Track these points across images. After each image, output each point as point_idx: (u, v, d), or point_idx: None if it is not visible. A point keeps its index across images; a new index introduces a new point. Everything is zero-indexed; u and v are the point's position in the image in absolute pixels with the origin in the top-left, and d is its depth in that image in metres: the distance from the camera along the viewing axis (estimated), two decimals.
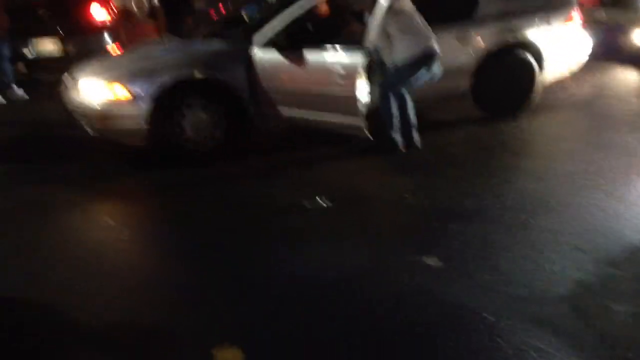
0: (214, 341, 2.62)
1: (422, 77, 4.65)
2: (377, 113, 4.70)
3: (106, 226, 3.99)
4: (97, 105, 4.83)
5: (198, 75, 4.82)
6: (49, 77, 7.87)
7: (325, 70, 4.56)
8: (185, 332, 2.72)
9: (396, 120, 4.74)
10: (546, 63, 5.51)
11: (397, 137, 4.80)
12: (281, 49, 4.76)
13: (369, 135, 4.60)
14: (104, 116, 4.83)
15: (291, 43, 4.81)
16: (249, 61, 4.87)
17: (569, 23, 5.63)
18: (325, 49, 4.73)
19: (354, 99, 4.45)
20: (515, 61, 5.45)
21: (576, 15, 5.68)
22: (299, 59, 4.67)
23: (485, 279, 3.01)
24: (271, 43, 4.85)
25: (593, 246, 3.24)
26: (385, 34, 4.50)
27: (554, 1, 5.67)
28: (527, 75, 5.48)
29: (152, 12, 8.62)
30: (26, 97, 7.40)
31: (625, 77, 6.93)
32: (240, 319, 2.82)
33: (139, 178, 4.83)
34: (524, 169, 4.48)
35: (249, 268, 3.30)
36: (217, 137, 4.96)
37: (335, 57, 4.60)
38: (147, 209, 4.29)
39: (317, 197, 4.07)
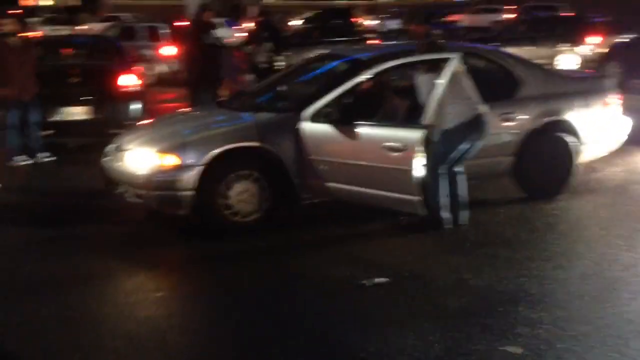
0: None
1: (474, 145, 4.68)
2: (425, 187, 4.67)
3: (154, 298, 3.87)
4: (145, 172, 4.79)
5: (247, 146, 4.83)
6: (76, 141, 7.92)
7: (380, 146, 4.55)
8: None
9: (444, 196, 4.70)
10: (584, 144, 5.56)
11: (444, 213, 4.75)
12: (334, 122, 4.77)
13: (423, 211, 4.55)
14: (151, 184, 4.77)
15: (341, 117, 4.83)
16: (297, 134, 4.88)
17: (607, 106, 5.72)
18: (379, 124, 4.76)
19: (410, 175, 4.42)
20: (555, 142, 5.49)
21: (614, 99, 5.78)
22: (351, 133, 4.68)
23: None
24: (320, 116, 4.87)
25: None
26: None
27: (592, 85, 5.80)
28: (566, 156, 5.51)
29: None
30: (53, 157, 7.34)
31: None
32: None
33: (183, 248, 4.76)
34: (576, 252, 4.43)
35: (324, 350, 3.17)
36: (263, 208, 4.90)
37: (391, 132, 4.61)
38: (195, 281, 4.20)
39: (374, 278, 3.97)
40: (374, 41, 20.08)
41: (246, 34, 11.17)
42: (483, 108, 4.71)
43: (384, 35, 30.63)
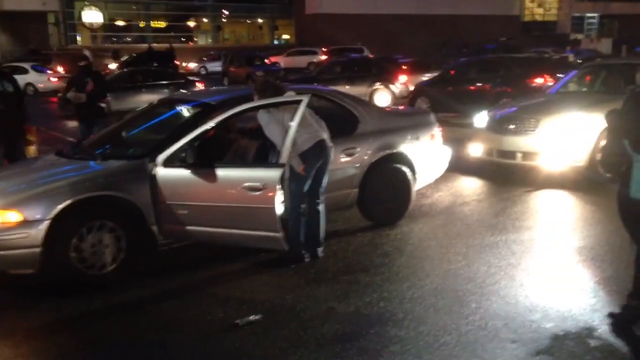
0: None
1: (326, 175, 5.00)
2: (285, 224, 4.84)
3: None
4: None
5: (98, 195, 4.64)
6: None
7: (240, 186, 4.64)
8: None
9: (303, 232, 4.92)
10: (418, 175, 6.15)
11: (305, 248, 4.96)
12: (190, 166, 4.77)
13: (286, 247, 4.70)
14: None
15: (196, 160, 4.84)
16: (152, 179, 4.80)
17: (433, 138, 6.40)
18: (237, 166, 4.87)
19: (272, 213, 4.56)
20: (394, 174, 6.00)
21: (438, 132, 6.48)
22: (210, 176, 4.71)
23: None
24: (175, 161, 4.85)
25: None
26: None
27: (420, 120, 6.45)
28: (404, 185, 6.04)
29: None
30: None
31: (470, 184, 7.89)
32: None
33: (39, 309, 4.37)
34: (424, 270, 4.86)
35: None
36: (120, 258, 4.72)
37: (250, 172, 4.73)
38: (61, 344, 3.89)
39: (248, 316, 4.03)
40: (199, 84, 20.15)
41: (66, 80, 10.54)
42: (325, 134, 5.01)
43: (207, 77, 30.87)
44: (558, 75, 11.77)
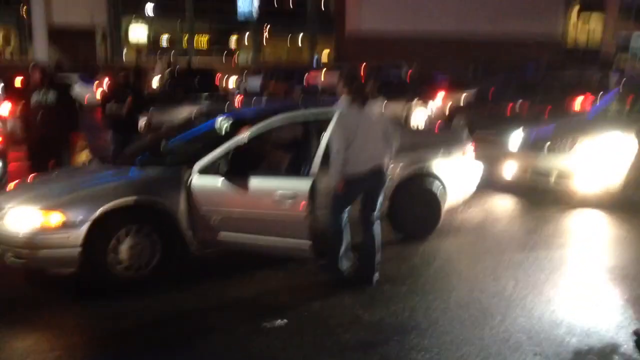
0: None
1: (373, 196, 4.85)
2: (325, 236, 4.86)
3: (52, 357, 3.73)
4: (27, 231, 4.61)
5: (137, 200, 4.84)
6: None
7: (272, 195, 4.78)
8: None
9: (346, 245, 4.85)
10: (449, 189, 6.19)
11: (345, 263, 4.88)
12: (225, 175, 4.94)
13: (314, 254, 4.80)
14: (34, 243, 4.61)
15: (231, 170, 5.02)
16: (188, 187, 4.98)
17: (465, 155, 6.44)
18: (270, 175, 5.02)
19: (302, 221, 4.68)
20: (425, 188, 6.06)
21: (470, 148, 6.52)
22: (244, 184, 4.87)
23: None
24: (211, 170, 5.02)
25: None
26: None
27: (452, 137, 6.51)
28: (435, 200, 6.09)
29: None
30: None
31: (503, 202, 7.88)
32: None
33: (75, 308, 4.56)
34: (451, 284, 4.90)
35: None
36: (155, 263, 4.90)
37: (282, 182, 4.87)
38: (95, 338, 4.07)
39: (275, 320, 4.15)
40: (237, 96, 20.54)
41: (105, 91, 10.74)
42: (383, 159, 4.83)
43: (246, 92, 31.38)
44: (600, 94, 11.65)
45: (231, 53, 51.43)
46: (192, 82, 24.51)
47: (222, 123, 5.90)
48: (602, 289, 4.71)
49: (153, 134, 6.73)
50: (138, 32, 42.54)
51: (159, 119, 17.26)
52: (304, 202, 4.68)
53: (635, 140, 3.81)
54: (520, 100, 13.93)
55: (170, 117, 17.04)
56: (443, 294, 4.64)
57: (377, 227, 4.90)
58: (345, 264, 4.88)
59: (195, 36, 48.94)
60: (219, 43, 49.81)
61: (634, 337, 3.73)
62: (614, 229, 6.51)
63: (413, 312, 4.30)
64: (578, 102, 12.85)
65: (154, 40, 46.43)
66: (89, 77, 28.33)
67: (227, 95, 20.79)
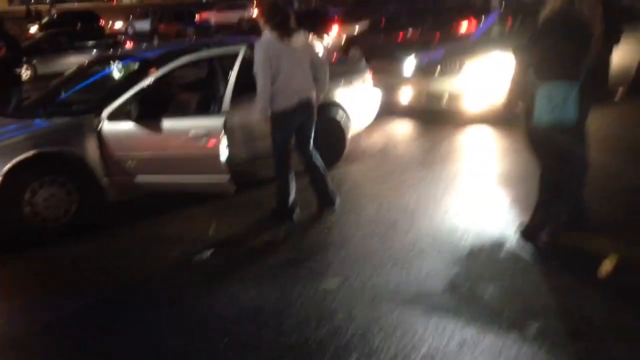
0: None
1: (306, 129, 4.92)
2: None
3: None
4: None
5: (47, 151, 4.83)
6: None
7: (186, 135, 4.92)
8: None
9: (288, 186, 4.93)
10: (352, 117, 6.56)
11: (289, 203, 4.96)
12: (136, 119, 5.01)
13: (231, 190, 5.04)
14: None
15: (142, 113, 5.09)
16: (99, 134, 5.01)
17: (364, 83, 6.80)
18: (182, 116, 5.14)
19: (218, 158, 4.88)
20: (329, 117, 6.37)
21: (368, 76, 6.88)
22: (156, 127, 4.97)
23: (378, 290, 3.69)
24: (120, 115, 5.07)
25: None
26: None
27: (352, 66, 6.82)
28: (339, 128, 6.44)
29: None
30: None
31: (401, 126, 8.39)
32: None
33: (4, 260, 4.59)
34: (361, 204, 5.31)
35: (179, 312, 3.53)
36: (72, 211, 4.96)
37: (195, 122, 5.00)
38: (33, 289, 4.16)
39: (204, 250, 4.41)
40: (128, 42, 19.78)
41: None
42: (308, 93, 4.82)
43: (135, 36, 30.09)
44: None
45: None
46: (75, 27, 23.33)
47: (125, 67, 5.88)
48: (490, 195, 5.28)
49: (51, 83, 6.56)
50: None
51: (44, 69, 16.44)
52: (218, 139, 4.87)
53: (513, 59, 4.24)
54: (411, 29, 14.48)
55: (57, 67, 16.34)
56: (354, 214, 5.04)
57: (317, 156, 5.01)
58: (295, 212, 4.97)
59: None
60: None
61: (519, 233, 4.30)
62: (500, 141, 7.17)
63: (330, 231, 4.69)
64: (464, 27, 13.50)
65: None
66: None
67: (115, 41, 19.92)
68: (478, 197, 5.25)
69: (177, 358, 3.19)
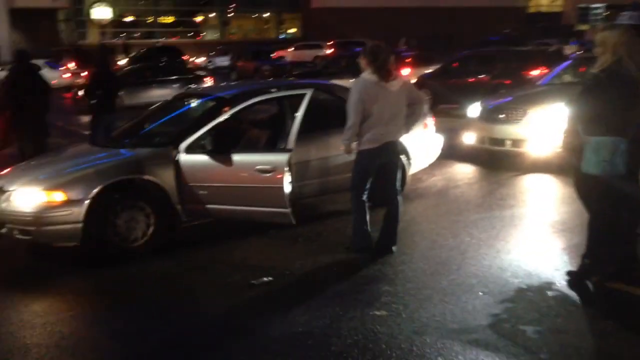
0: None
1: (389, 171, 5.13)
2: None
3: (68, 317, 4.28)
4: (33, 210, 5.11)
5: (131, 178, 5.36)
6: None
7: (253, 169, 5.33)
8: None
9: (363, 220, 5.16)
10: (412, 160, 6.82)
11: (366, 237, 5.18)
12: (209, 152, 5.48)
13: (293, 221, 5.39)
14: (40, 220, 5.11)
15: (215, 147, 5.56)
16: (176, 164, 5.50)
17: (425, 128, 7.07)
18: (250, 151, 5.58)
19: (281, 191, 5.25)
20: None
21: (431, 122, 7.16)
22: (227, 160, 5.42)
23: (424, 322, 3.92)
24: (195, 148, 5.55)
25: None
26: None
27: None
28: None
29: None
30: None
31: (463, 169, 8.57)
32: None
33: (83, 276, 5.11)
34: (414, 242, 5.54)
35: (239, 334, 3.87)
36: (149, 233, 5.44)
37: (261, 157, 5.43)
38: (105, 300, 4.62)
39: (262, 278, 4.76)
40: (207, 78, 20.81)
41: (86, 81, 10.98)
42: (392, 136, 5.03)
43: (214, 71, 31.58)
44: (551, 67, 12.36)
45: (197, 33, 51.22)
46: (160, 63, 24.76)
47: (202, 105, 6.41)
48: (543, 241, 5.40)
49: (136, 117, 7.20)
50: (101, 13, 42.01)
51: (129, 100, 17.54)
52: (282, 175, 5.25)
53: (567, 109, 4.43)
54: (482, 75, 14.66)
55: (141, 99, 17.46)
56: (408, 250, 5.27)
57: (399, 199, 5.23)
58: (361, 242, 5.16)
59: (160, 15, 48.68)
60: (184, 23, 49.53)
61: (567, 277, 4.41)
62: (559, 190, 7.23)
63: (381, 265, 4.93)
64: (535, 75, 13.55)
65: (118, 20, 45.91)
66: (55, 63, 28.29)
67: (196, 76, 20.98)
68: (530, 242, 5.38)
69: None
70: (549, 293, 4.26)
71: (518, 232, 5.73)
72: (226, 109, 5.81)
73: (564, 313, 3.96)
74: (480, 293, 4.30)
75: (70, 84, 23.28)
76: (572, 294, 4.21)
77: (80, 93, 15.48)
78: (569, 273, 4.43)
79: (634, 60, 3.89)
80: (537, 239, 5.44)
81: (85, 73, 20.30)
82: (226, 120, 5.77)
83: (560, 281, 4.41)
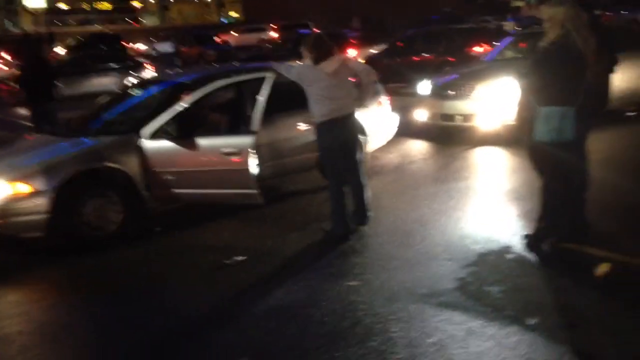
0: None
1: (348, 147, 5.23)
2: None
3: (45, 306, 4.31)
4: None
5: (96, 166, 5.37)
6: None
7: (219, 152, 5.42)
8: None
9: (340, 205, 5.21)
10: (369, 138, 7.03)
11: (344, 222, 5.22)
12: (173, 138, 5.53)
13: (261, 201, 5.51)
14: (6, 212, 5.07)
15: (178, 133, 5.61)
16: (140, 151, 5.53)
17: (380, 106, 7.28)
18: (215, 135, 5.66)
19: (247, 172, 5.36)
20: None
21: (385, 100, 7.37)
22: (192, 145, 5.48)
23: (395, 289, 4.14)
24: (159, 134, 5.59)
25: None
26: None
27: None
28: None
29: None
30: None
31: (418, 145, 8.85)
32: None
33: (56, 266, 5.10)
34: (378, 218, 5.75)
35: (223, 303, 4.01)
36: (116, 221, 5.47)
37: (226, 140, 5.51)
38: (81, 289, 4.66)
39: (234, 256, 4.88)
40: (148, 65, 20.37)
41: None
42: (344, 110, 5.15)
43: (158, 58, 30.99)
44: (494, 43, 12.79)
45: (135, 19, 50.04)
46: (101, 50, 24.12)
47: (164, 91, 6.42)
48: (499, 209, 5.71)
49: (94, 104, 7.15)
50: (35, 1, 40.55)
51: (69, 91, 16.96)
52: (248, 157, 5.36)
53: (517, 84, 4.70)
54: (427, 54, 15.02)
55: (82, 88, 17.04)
56: (371, 225, 5.46)
57: (359, 176, 5.35)
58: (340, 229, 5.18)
59: (96, 3, 47.31)
60: (121, 10, 48.30)
61: (524, 241, 4.71)
62: (508, 161, 7.59)
63: (351, 240, 5.12)
64: (478, 52, 13.98)
65: (53, 8, 44.36)
66: None
67: (137, 63, 20.46)
68: (487, 210, 5.68)
69: (212, 349, 3.64)
70: (509, 256, 4.55)
71: (474, 202, 6.03)
72: (188, 94, 5.85)
73: (524, 273, 4.25)
74: (446, 260, 4.55)
75: (8, 75, 22.45)
76: (530, 255, 4.51)
77: (13, 84, 15.02)
78: (526, 237, 4.73)
79: (580, 33, 4.17)
80: (493, 208, 5.75)
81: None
82: (188, 105, 5.81)
83: (518, 245, 4.70)
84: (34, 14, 42.37)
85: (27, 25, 42.21)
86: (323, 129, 5.17)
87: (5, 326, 4.03)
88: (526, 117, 4.59)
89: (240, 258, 4.87)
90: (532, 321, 3.57)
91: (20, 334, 3.90)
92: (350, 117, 5.27)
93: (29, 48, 9.83)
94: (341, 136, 5.19)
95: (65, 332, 3.96)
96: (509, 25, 23.16)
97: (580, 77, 4.24)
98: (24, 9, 41.58)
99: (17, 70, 19.91)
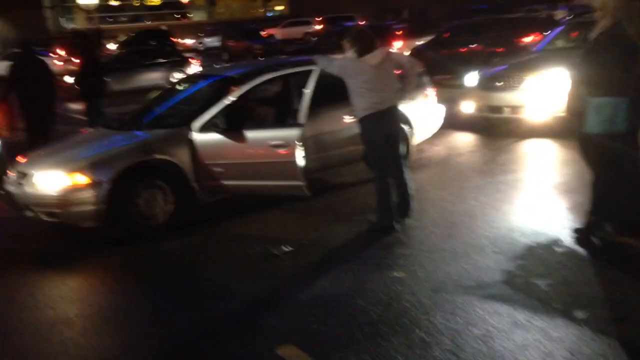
0: None
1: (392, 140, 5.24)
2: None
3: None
4: (57, 192, 5.30)
5: (149, 159, 5.55)
6: None
7: (266, 144, 5.53)
8: None
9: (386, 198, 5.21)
10: (416, 130, 7.02)
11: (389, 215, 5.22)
12: (222, 131, 5.67)
13: (308, 193, 5.59)
14: (65, 202, 5.30)
15: (227, 126, 5.74)
16: (191, 144, 5.69)
17: (426, 98, 7.26)
18: (263, 128, 5.76)
19: (294, 165, 5.44)
20: None
21: (431, 92, 7.34)
22: (240, 138, 5.61)
23: (441, 281, 4.16)
24: (208, 127, 5.73)
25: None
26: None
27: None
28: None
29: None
30: None
31: (464, 138, 8.78)
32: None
33: (111, 254, 5.32)
34: (425, 209, 5.76)
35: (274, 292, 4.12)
36: (168, 211, 5.65)
37: (274, 133, 5.61)
38: (138, 279, 4.84)
39: (281, 246, 4.99)
40: (194, 61, 20.64)
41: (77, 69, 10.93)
42: (387, 104, 5.14)
43: (205, 53, 31.46)
44: (544, 33, 12.51)
45: (184, 14, 50.90)
46: (149, 46, 24.62)
47: (215, 83, 6.56)
48: (548, 201, 5.64)
49: (155, 97, 7.40)
50: None
51: (118, 86, 17.32)
52: (293, 149, 5.44)
53: (569, 73, 4.63)
54: (474, 45, 14.81)
55: (130, 84, 17.43)
56: (419, 215, 5.48)
57: (403, 171, 5.34)
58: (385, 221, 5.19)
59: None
60: (170, 5, 49.19)
61: (574, 235, 4.66)
62: (558, 153, 7.46)
63: (395, 231, 5.15)
64: (528, 42, 13.70)
65: (104, 5, 45.56)
66: (44, 50, 28.09)
67: (184, 58, 20.75)
68: (535, 203, 5.62)
69: (258, 333, 3.74)
70: (557, 249, 4.50)
71: (523, 195, 5.97)
72: (236, 87, 5.98)
73: (572, 266, 4.21)
74: (492, 252, 4.54)
75: (63, 71, 23.19)
76: (579, 249, 4.46)
77: (69, 80, 15.44)
78: (576, 230, 4.67)
79: (633, 23, 4.08)
80: (541, 200, 5.69)
81: (78, 60, 20.23)
82: (237, 98, 5.94)
83: (567, 238, 4.65)
84: (86, 10, 43.57)
85: (81, 22, 43.46)
86: (366, 122, 5.20)
87: (66, 310, 4.25)
88: (576, 109, 4.53)
89: (287, 248, 4.97)
90: (580, 314, 3.54)
91: (81, 317, 4.10)
92: (393, 109, 5.28)
93: (86, 45, 10.20)
94: (385, 129, 5.21)
95: (122, 315, 4.15)
96: (560, 14, 22.59)
97: (632, 68, 4.15)
98: (78, 6, 42.76)
99: (73, 67, 20.64)
